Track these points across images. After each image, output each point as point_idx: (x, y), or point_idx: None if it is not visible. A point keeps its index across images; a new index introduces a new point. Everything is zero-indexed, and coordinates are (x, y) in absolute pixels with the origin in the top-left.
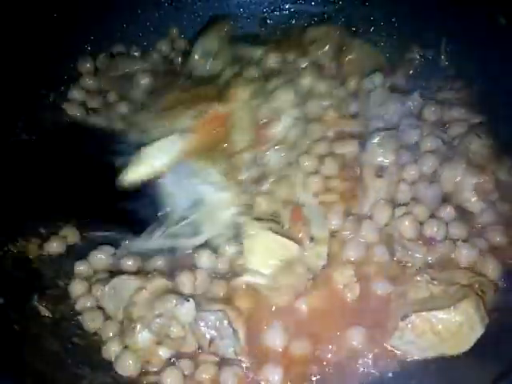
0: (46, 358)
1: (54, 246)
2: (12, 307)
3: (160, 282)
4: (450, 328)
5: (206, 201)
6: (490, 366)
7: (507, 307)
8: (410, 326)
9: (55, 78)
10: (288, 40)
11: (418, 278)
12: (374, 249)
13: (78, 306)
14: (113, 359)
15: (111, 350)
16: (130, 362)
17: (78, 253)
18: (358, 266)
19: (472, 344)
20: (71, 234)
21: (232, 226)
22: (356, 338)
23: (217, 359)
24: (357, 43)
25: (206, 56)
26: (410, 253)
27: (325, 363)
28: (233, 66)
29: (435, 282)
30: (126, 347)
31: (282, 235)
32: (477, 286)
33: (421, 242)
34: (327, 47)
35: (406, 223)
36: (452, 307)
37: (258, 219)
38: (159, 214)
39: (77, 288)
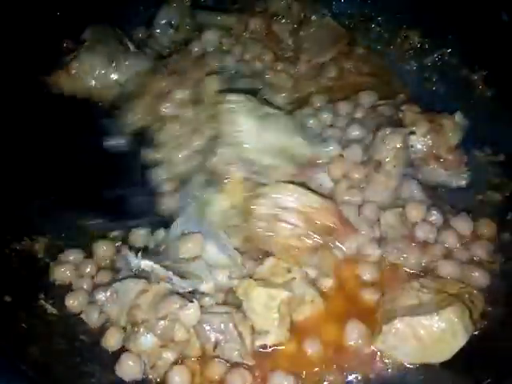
0: (54, 357)
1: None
2: (19, 305)
3: (163, 285)
4: (432, 334)
5: (206, 257)
6: (473, 377)
7: (496, 320)
8: (393, 330)
9: None
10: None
11: (409, 285)
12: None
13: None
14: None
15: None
16: (132, 365)
17: None
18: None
19: (454, 353)
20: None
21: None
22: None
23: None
24: (317, 16)
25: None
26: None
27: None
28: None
29: (425, 290)
30: (127, 351)
31: (270, 286)
32: (467, 296)
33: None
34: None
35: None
36: (435, 313)
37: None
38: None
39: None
